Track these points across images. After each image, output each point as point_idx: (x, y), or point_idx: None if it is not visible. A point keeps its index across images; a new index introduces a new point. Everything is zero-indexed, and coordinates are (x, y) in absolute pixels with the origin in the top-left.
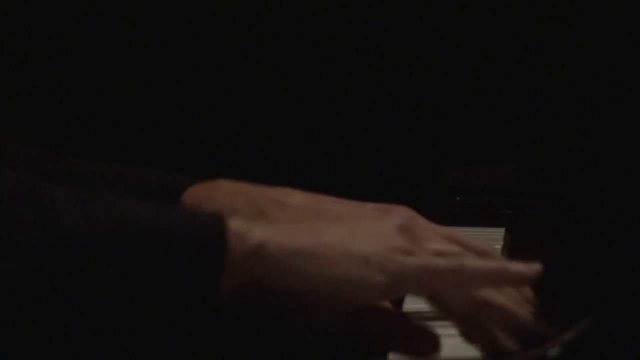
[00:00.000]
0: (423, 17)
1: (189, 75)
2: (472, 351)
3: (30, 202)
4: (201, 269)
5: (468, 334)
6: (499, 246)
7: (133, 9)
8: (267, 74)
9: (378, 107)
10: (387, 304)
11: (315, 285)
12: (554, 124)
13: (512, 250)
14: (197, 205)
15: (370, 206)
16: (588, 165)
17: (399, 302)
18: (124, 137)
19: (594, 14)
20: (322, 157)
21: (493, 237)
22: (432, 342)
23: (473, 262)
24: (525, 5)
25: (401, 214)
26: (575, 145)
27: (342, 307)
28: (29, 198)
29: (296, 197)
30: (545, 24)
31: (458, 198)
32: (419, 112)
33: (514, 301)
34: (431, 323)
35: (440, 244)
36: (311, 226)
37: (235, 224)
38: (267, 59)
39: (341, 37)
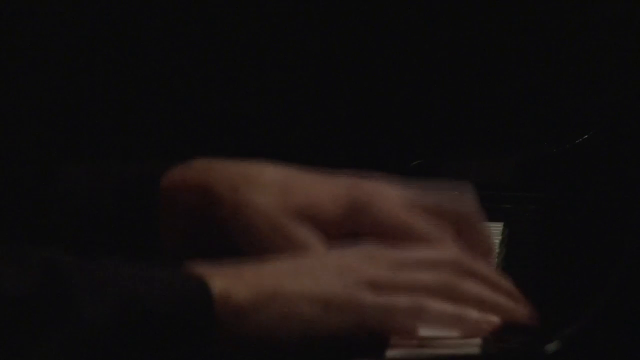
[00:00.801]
0: (422, 13)
1: (189, 75)
2: (471, 348)
3: (49, 298)
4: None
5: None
6: (497, 241)
7: (133, 9)
8: (267, 72)
9: (376, 102)
10: None
11: (282, 331)
12: (553, 118)
13: (510, 245)
14: (174, 188)
15: (342, 177)
16: (587, 159)
17: None
18: (123, 136)
19: (594, 9)
20: (320, 151)
21: (491, 232)
22: None
23: (433, 304)
24: (525, 1)
25: (355, 184)
26: (575, 140)
27: (312, 347)
28: (47, 291)
29: (269, 173)
30: (543, 20)
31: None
32: (417, 107)
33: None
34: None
35: (405, 255)
36: (275, 271)
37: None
38: (266, 59)
39: (340, 32)
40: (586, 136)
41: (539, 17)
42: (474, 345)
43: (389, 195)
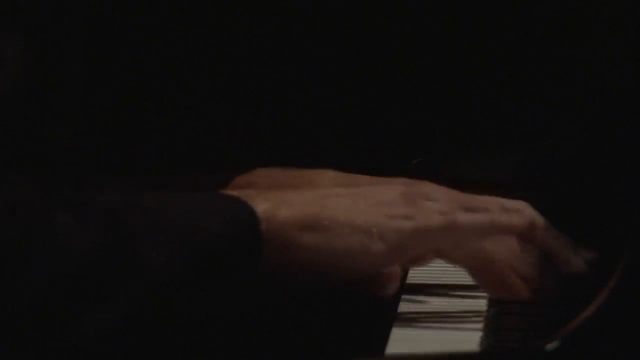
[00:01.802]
0: (421, 13)
1: (189, 75)
2: (472, 345)
3: (114, 250)
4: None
5: (481, 282)
6: None
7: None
8: (265, 73)
9: (375, 101)
10: None
11: (320, 255)
12: (553, 117)
13: None
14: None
15: (399, 182)
16: (587, 159)
17: (395, 303)
18: (127, 139)
19: (594, 9)
20: (320, 151)
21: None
22: None
23: (464, 217)
24: (523, 1)
25: (406, 181)
26: (574, 139)
27: (348, 276)
28: (111, 243)
29: (330, 176)
30: (542, 19)
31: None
32: (415, 106)
33: (513, 253)
34: (428, 323)
35: (442, 204)
36: (316, 197)
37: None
38: (266, 59)
39: (339, 32)
40: (587, 135)
41: (538, 17)
42: (473, 343)
43: (436, 186)
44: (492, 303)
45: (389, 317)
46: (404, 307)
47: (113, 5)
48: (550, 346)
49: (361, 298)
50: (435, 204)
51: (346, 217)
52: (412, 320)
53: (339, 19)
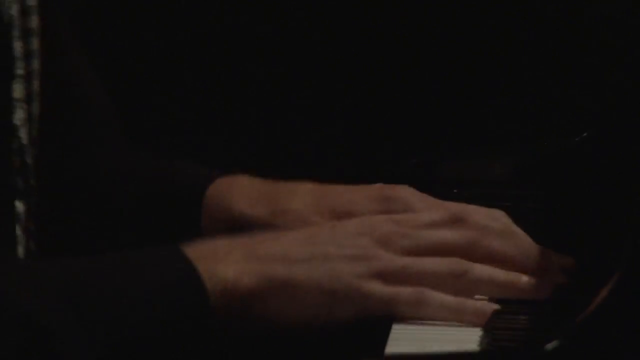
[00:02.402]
0: (421, 13)
1: (189, 75)
2: (471, 345)
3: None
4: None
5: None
6: None
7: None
8: (266, 72)
9: (375, 101)
10: None
11: (286, 318)
12: (553, 117)
13: None
14: (220, 197)
15: (376, 187)
16: (587, 158)
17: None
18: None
19: (594, 9)
20: (319, 150)
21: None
22: None
23: (434, 295)
24: (523, 1)
25: (384, 193)
26: (574, 139)
27: (315, 331)
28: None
29: (304, 187)
30: (542, 19)
31: (455, 190)
32: (416, 105)
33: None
34: (427, 322)
35: (411, 240)
36: (285, 253)
37: (205, 266)
38: (266, 59)
39: (339, 32)
40: (586, 135)
41: (538, 17)
42: (473, 342)
43: (414, 191)
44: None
45: (388, 316)
46: None
47: (111, 5)
48: (550, 346)
49: None
50: (404, 240)
51: (314, 278)
52: (411, 319)
53: (339, 18)
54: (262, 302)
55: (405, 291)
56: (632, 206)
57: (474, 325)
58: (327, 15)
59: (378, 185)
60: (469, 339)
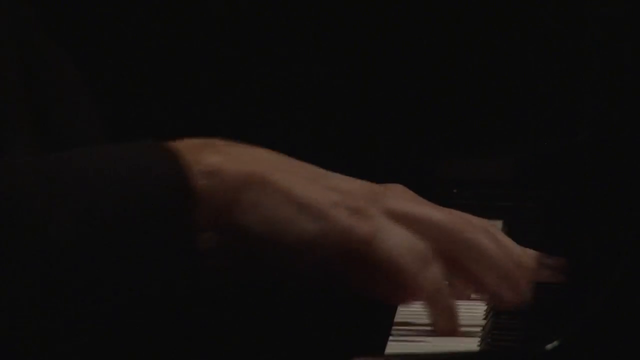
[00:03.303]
0: (421, 12)
1: (188, 75)
2: (472, 345)
3: (9, 214)
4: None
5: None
6: None
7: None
8: (266, 72)
9: (375, 100)
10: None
11: (253, 217)
12: (553, 117)
13: None
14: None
15: (367, 183)
16: (587, 158)
17: (391, 314)
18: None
19: (594, 9)
20: (318, 150)
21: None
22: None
23: (393, 229)
24: (523, 1)
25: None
26: (575, 138)
27: (282, 253)
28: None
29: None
30: (543, 19)
31: (455, 190)
32: (416, 105)
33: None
34: (427, 322)
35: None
36: (273, 159)
37: (189, 154)
38: (265, 58)
39: (337, 31)
40: (586, 135)
41: (538, 16)
42: (473, 343)
43: (406, 189)
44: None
45: (389, 317)
46: (403, 306)
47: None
48: (550, 346)
49: (361, 298)
50: (390, 201)
51: (291, 186)
52: (411, 319)
53: (339, 18)
54: (240, 193)
55: (365, 225)
56: (632, 206)
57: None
58: (327, 15)
59: (369, 183)
60: (470, 339)
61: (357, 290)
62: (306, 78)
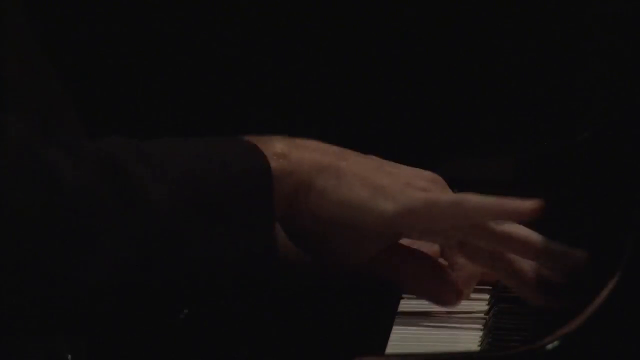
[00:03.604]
0: (422, 12)
1: (187, 75)
2: (472, 345)
3: (110, 185)
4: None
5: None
6: None
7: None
8: (266, 71)
9: (375, 100)
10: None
11: (329, 201)
12: (553, 116)
13: None
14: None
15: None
16: (587, 158)
17: (395, 302)
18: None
19: (594, 9)
20: None
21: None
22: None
23: (473, 197)
24: (523, 1)
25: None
26: (575, 138)
27: (355, 232)
28: (107, 179)
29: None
30: (542, 18)
31: (455, 190)
32: (416, 105)
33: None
34: (428, 323)
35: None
36: (337, 150)
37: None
38: (265, 58)
39: (339, 31)
40: (586, 134)
41: (538, 16)
42: (473, 342)
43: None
44: (492, 303)
45: (389, 316)
46: (404, 306)
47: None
48: (550, 346)
49: (361, 298)
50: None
51: (362, 171)
52: (412, 320)
53: (339, 18)
54: (312, 179)
55: (444, 195)
56: (632, 206)
57: (516, 218)
58: (326, 15)
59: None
60: (470, 339)
61: (403, 278)
62: (306, 78)
